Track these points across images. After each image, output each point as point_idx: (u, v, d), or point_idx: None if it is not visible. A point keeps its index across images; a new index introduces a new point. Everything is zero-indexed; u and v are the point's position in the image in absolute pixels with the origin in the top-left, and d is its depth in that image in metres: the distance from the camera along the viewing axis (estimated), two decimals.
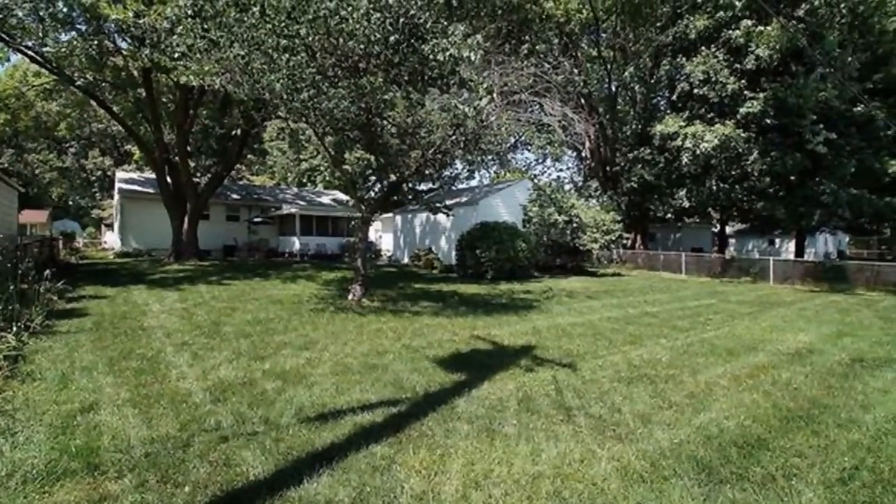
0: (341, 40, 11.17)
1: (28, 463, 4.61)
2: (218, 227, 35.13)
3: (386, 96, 12.92)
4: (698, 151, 28.53)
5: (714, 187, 30.83)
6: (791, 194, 29.46)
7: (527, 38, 34.05)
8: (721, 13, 28.85)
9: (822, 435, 5.83)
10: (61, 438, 5.14)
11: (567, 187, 37.02)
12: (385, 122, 15.40)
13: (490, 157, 18.05)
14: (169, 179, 28.33)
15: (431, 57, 11.27)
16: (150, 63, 20.05)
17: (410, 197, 20.11)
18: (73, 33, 22.55)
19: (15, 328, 9.00)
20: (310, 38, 11.08)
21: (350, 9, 10.56)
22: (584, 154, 42.70)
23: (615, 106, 40.47)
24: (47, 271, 12.69)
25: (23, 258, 14.72)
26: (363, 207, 16.79)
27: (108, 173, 59.50)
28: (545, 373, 8.07)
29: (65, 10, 21.62)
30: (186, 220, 28.29)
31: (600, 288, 21.78)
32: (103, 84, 27.24)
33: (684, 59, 30.81)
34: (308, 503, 4.13)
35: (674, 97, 33.47)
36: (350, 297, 15.43)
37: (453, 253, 26.90)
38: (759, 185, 29.51)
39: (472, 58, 11.14)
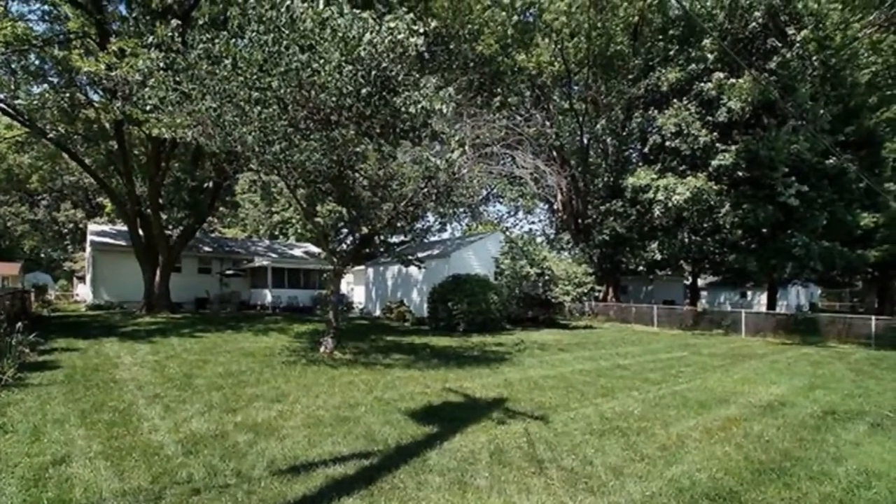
0: (313, 93, 11.26)
1: None
2: (190, 280, 34.64)
3: (358, 149, 13.03)
4: (670, 204, 28.73)
5: (686, 240, 30.94)
6: (763, 247, 29.67)
7: (499, 90, 34.57)
8: (693, 66, 29.36)
9: (794, 487, 5.80)
10: (33, 491, 5.10)
11: (539, 240, 37.19)
12: (357, 175, 15.46)
13: (462, 210, 18.19)
14: (141, 232, 28.05)
15: (403, 109, 11.39)
16: (122, 115, 20.04)
17: (382, 249, 20.18)
18: (46, 86, 22.64)
19: None
20: (282, 91, 11.16)
21: (322, 61, 10.68)
22: (556, 206, 43.20)
23: (587, 158, 40.94)
24: (19, 324, 12.59)
25: None
26: (335, 260, 16.71)
27: (80, 226, 58.86)
28: (517, 425, 7.97)
29: (37, 62, 21.78)
30: (158, 272, 27.88)
31: (572, 340, 21.75)
32: (75, 136, 27.17)
33: (656, 111, 31.26)
34: None
35: (646, 150, 33.73)
36: (322, 349, 15.22)
37: (425, 305, 26.72)
38: (731, 238, 29.59)
39: (444, 110, 11.24)
